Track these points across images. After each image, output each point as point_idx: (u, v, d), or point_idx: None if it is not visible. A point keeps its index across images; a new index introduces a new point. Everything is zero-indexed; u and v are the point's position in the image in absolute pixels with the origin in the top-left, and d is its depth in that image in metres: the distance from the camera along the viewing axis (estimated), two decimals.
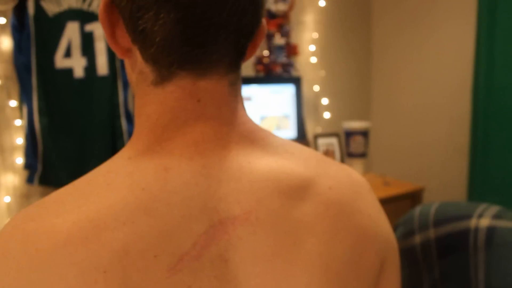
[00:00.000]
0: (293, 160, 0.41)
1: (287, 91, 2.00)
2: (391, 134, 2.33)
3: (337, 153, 2.20)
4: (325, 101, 2.23)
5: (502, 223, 0.72)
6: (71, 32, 1.52)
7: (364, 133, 2.09)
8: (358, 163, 2.12)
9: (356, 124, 2.09)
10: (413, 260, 0.81)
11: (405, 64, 2.21)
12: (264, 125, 1.94)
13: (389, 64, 2.31)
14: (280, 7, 1.99)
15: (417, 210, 0.83)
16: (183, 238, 0.33)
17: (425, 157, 2.14)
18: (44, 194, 1.60)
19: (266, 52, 2.00)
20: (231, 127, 0.39)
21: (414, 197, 1.94)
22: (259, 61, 1.99)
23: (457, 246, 0.75)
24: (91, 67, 1.55)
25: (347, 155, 2.14)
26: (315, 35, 2.17)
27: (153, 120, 0.38)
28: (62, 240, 0.32)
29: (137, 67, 0.40)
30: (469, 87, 1.85)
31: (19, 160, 1.55)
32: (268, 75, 2.01)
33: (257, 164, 0.38)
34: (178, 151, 0.37)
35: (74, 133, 1.56)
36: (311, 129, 2.21)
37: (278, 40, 2.01)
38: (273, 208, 0.36)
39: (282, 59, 2.04)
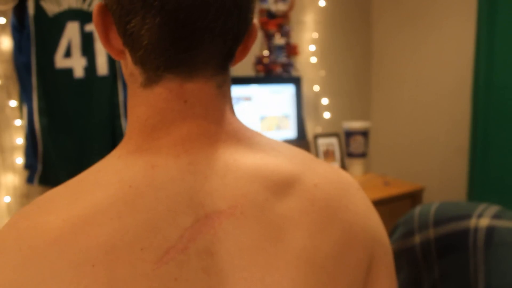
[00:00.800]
0: (279, 158, 0.41)
1: (287, 91, 2.00)
2: (391, 134, 2.33)
3: (337, 153, 2.20)
4: (325, 101, 2.23)
5: (502, 223, 0.72)
6: (71, 32, 1.52)
7: (364, 133, 2.09)
8: (358, 163, 2.12)
9: (356, 124, 2.09)
10: (413, 260, 0.81)
11: (405, 64, 2.21)
12: (264, 125, 1.94)
13: (389, 64, 2.31)
14: (280, 7, 1.99)
15: (417, 210, 0.83)
16: (169, 231, 0.34)
17: (425, 157, 2.14)
18: None
19: (266, 52, 2.00)
20: (218, 126, 0.40)
21: (414, 197, 1.94)
22: (259, 61, 1.99)
23: (457, 246, 0.75)
24: (91, 67, 1.55)
25: (347, 155, 2.14)
26: (315, 35, 2.17)
27: (143, 120, 0.39)
28: (53, 236, 0.33)
29: (128, 70, 0.41)
30: (469, 86, 1.85)
31: (19, 160, 1.55)
32: (268, 75, 2.01)
33: (243, 161, 0.39)
34: (165, 149, 0.38)
35: (74, 133, 1.56)
36: (311, 129, 2.22)
37: (278, 40, 2.01)
38: (258, 203, 0.37)
39: (282, 59, 2.04)
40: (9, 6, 1.45)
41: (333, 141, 2.20)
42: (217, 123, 0.40)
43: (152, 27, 0.35)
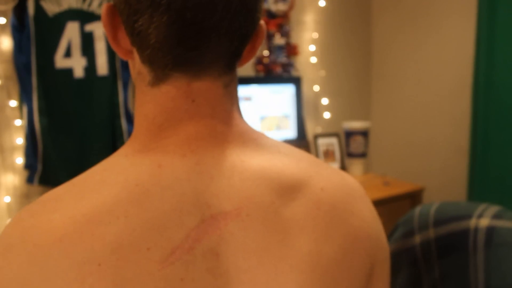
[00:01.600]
0: (285, 160, 0.41)
1: (287, 91, 2.00)
2: (391, 134, 2.33)
3: (337, 153, 2.20)
4: (325, 101, 2.23)
5: (502, 223, 0.72)
6: (71, 32, 1.52)
7: (364, 133, 2.09)
8: (358, 163, 2.12)
9: (356, 124, 2.09)
10: (413, 260, 0.81)
11: (405, 64, 2.21)
12: (264, 125, 1.94)
13: (389, 64, 2.31)
14: (280, 7, 1.99)
15: (417, 210, 0.83)
16: (175, 231, 0.34)
17: (425, 157, 2.14)
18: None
19: (266, 52, 2.00)
20: (224, 126, 0.40)
21: (414, 197, 1.94)
22: (259, 61, 1.99)
23: (457, 246, 0.75)
24: (91, 67, 1.55)
25: (347, 155, 2.14)
26: (315, 35, 2.17)
27: (150, 119, 0.40)
28: (59, 235, 0.33)
29: (136, 69, 0.41)
30: (469, 86, 1.85)
31: (19, 160, 1.55)
32: (268, 75, 2.01)
33: (250, 162, 0.39)
34: (172, 148, 0.38)
35: (74, 133, 1.56)
36: (311, 129, 2.22)
37: (278, 40, 2.01)
38: (264, 206, 0.37)
39: (282, 59, 2.04)
40: (9, 6, 1.45)
41: (333, 141, 2.20)
42: (224, 123, 0.40)
43: (160, 26, 0.35)
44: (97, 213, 0.34)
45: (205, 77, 0.39)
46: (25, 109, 1.50)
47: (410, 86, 2.19)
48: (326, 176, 0.43)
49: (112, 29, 0.40)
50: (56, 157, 1.54)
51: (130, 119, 1.64)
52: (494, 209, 0.76)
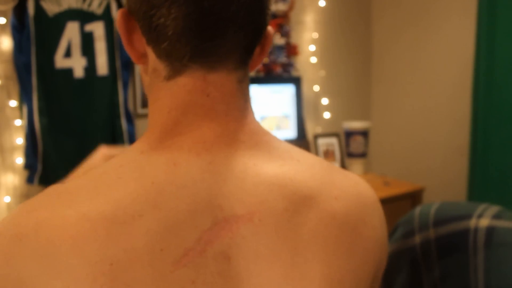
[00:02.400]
0: (298, 167, 0.41)
1: (287, 91, 2.00)
2: (391, 134, 2.33)
3: (337, 153, 2.20)
4: (325, 101, 2.23)
5: (502, 223, 0.72)
6: (71, 32, 1.52)
7: (364, 133, 2.09)
8: (358, 163, 2.12)
9: (356, 124, 2.09)
10: (413, 260, 0.81)
11: (405, 64, 2.21)
12: (264, 125, 1.94)
13: (389, 64, 2.31)
14: (280, 7, 1.99)
15: (417, 210, 0.83)
16: (189, 232, 0.34)
17: (425, 157, 2.14)
18: None
19: None
20: (238, 125, 0.40)
21: (414, 197, 1.94)
22: None
23: (457, 246, 0.75)
24: (91, 67, 1.55)
25: (347, 155, 2.14)
26: (315, 35, 2.17)
27: (165, 113, 0.40)
28: (72, 232, 0.33)
29: (150, 68, 0.42)
30: (469, 86, 1.85)
31: (19, 160, 1.55)
32: (268, 75, 2.01)
33: (263, 167, 0.39)
34: (187, 146, 0.38)
35: (74, 133, 1.56)
36: (311, 129, 2.21)
37: (278, 40, 2.01)
38: (276, 212, 0.37)
39: (282, 59, 2.04)
40: (9, 6, 1.45)
41: (333, 141, 2.20)
42: (237, 122, 0.40)
43: (177, 17, 0.36)
44: (112, 210, 0.34)
45: (221, 70, 0.39)
46: (25, 109, 1.50)
47: (410, 86, 2.19)
48: (340, 183, 0.42)
49: (127, 32, 0.41)
50: (56, 157, 1.54)
51: (130, 119, 1.64)
52: (494, 209, 0.76)
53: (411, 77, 2.18)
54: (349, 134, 2.10)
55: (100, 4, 1.55)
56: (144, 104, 1.72)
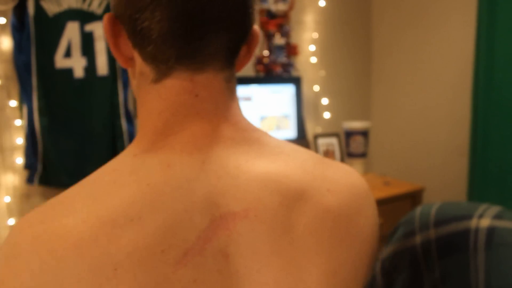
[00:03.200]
0: (290, 162, 0.41)
1: (287, 91, 2.00)
2: (391, 134, 2.33)
3: (337, 153, 2.20)
4: (325, 101, 2.23)
5: (502, 224, 0.72)
6: (71, 32, 1.52)
7: (364, 133, 2.09)
8: (358, 163, 2.12)
9: (356, 124, 2.09)
10: (413, 260, 0.81)
11: (405, 64, 2.21)
12: (264, 125, 1.94)
13: (389, 64, 2.31)
14: (280, 7, 1.99)
15: (418, 210, 0.83)
16: (187, 232, 0.34)
17: (425, 157, 2.14)
18: (44, 194, 1.60)
19: (266, 52, 2.00)
20: (227, 123, 0.41)
21: (414, 197, 1.94)
22: (259, 61, 1.99)
23: (457, 246, 0.75)
24: (91, 67, 1.55)
25: (347, 155, 2.14)
26: (315, 35, 2.17)
27: (155, 116, 0.40)
28: (73, 240, 0.33)
29: (137, 71, 0.42)
30: (469, 87, 1.85)
31: (19, 160, 1.55)
32: (268, 75, 2.01)
33: (254, 163, 0.39)
34: (179, 146, 0.38)
35: (74, 133, 1.56)
36: (311, 129, 2.21)
37: (278, 40, 2.01)
38: (272, 207, 0.37)
39: (282, 59, 2.03)
40: (9, 6, 1.45)
41: (333, 141, 2.20)
42: (227, 120, 0.41)
43: (162, 20, 0.36)
44: (111, 215, 0.34)
45: (208, 70, 0.39)
46: (25, 109, 1.50)
47: (410, 86, 2.19)
48: (332, 176, 0.43)
49: (113, 36, 0.41)
50: (56, 157, 1.54)
51: (130, 119, 1.64)
52: (494, 209, 0.76)
53: (411, 77, 2.18)
54: (349, 134, 2.10)
55: (100, 4, 1.55)
56: None
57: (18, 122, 1.54)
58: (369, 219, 0.43)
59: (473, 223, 0.73)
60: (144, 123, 0.41)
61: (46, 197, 1.60)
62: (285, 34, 2.03)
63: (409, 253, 0.80)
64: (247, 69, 1.98)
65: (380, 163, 2.40)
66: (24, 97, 1.50)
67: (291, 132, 2.01)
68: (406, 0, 2.17)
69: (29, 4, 1.46)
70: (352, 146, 2.10)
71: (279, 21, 2.00)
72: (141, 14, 0.37)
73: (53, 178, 1.55)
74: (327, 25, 2.21)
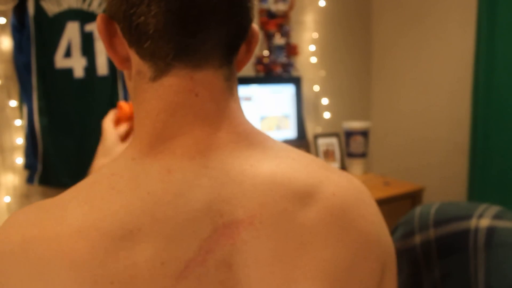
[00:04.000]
0: (294, 166, 0.40)
1: (287, 91, 2.00)
2: (391, 134, 2.33)
3: (337, 153, 2.20)
4: (325, 101, 2.23)
5: (502, 224, 0.72)
6: (71, 32, 1.51)
7: (364, 133, 2.09)
8: (358, 163, 2.12)
9: (356, 124, 2.09)
10: (413, 260, 0.81)
11: (405, 64, 2.21)
12: (264, 125, 1.94)
13: (389, 64, 2.31)
14: (280, 7, 1.99)
15: (417, 210, 0.83)
16: (189, 242, 0.33)
17: (425, 157, 2.14)
18: (44, 194, 1.60)
19: (266, 52, 2.00)
20: (230, 126, 0.39)
21: (414, 197, 1.93)
22: (259, 61, 1.99)
23: (457, 246, 0.75)
24: (91, 67, 1.55)
25: (347, 155, 2.14)
26: (315, 35, 2.17)
27: (153, 116, 0.38)
28: (67, 250, 0.31)
29: (134, 70, 0.40)
30: (469, 87, 1.85)
31: (19, 160, 1.55)
32: (268, 75, 2.01)
33: (259, 168, 0.38)
34: (179, 151, 0.37)
35: (74, 133, 1.56)
36: (311, 129, 2.21)
37: (278, 40, 2.01)
38: (277, 213, 0.36)
39: (282, 59, 2.04)
40: (9, 6, 1.45)
41: (333, 141, 2.20)
42: (229, 122, 0.39)
43: (158, 14, 0.35)
44: (108, 225, 0.32)
45: (207, 67, 0.38)
46: (25, 109, 1.50)
47: (410, 86, 2.19)
48: (336, 180, 0.42)
49: (108, 36, 0.40)
50: (56, 157, 1.54)
51: None
52: (494, 209, 0.76)
53: (411, 77, 2.18)
54: (349, 134, 2.10)
55: (100, 4, 1.55)
56: None
57: (18, 122, 1.54)
58: (374, 225, 0.42)
59: (473, 223, 0.73)
60: (142, 124, 0.39)
61: (46, 197, 1.60)
62: (285, 34, 2.03)
63: (408, 253, 0.80)
64: (247, 69, 1.98)
65: (380, 163, 2.40)
66: (24, 97, 1.50)
67: (291, 132, 2.01)
68: (406, 0, 2.17)
69: (29, 4, 1.46)
70: (352, 146, 2.10)
71: (279, 21, 2.00)
72: (136, 8, 0.35)
73: (53, 178, 1.55)
74: (327, 25, 2.21)
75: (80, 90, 1.55)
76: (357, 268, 0.39)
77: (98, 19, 0.40)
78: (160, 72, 0.38)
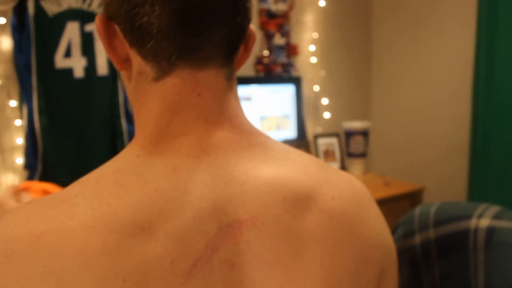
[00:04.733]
0: (295, 168, 0.40)
1: (287, 91, 2.00)
2: (391, 134, 2.33)
3: (337, 153, 2.20)
4: (325, 101, 2.23)
5: (502, 224, 0.72)
6: (71, 32, 1.51)
7: (364, 133, 2.09)
8: (358, 163, 2.12)
9: (356, 124, 2.09)
10: (413, 260, 0.81)
11: (405, 64, 2.21)
12: (264, 125, 1.94)
13: (389, 64, 2.31)
14: (280, 7, 1.99)
15: (417, 210, 0.83)
16: (196, 241, 0.33)
17: (425, 157, 2.14)
18: None
19: (266, 52, 2.00)
20: (232, 126, 0.40)
21: (414, 197, 1.94)
22: (259, 61, 1.99)
23: (457, 246, 0.75)
24: (91, 67, 1.55)
25: (347, 155, 2.14)
26: (315, 35, 2.17)
27: (156, 115, 0.39)
28: (79, 246, 0.31)
29: (135, 71, 0.40)
30: (469, 87, 1.85)
31: (19, 160, 1.55)
32: (268, 75, 2.01)
33: (261, 169, 0.38)
34: (184, 149, 0.37)
35: (74, 133, 1.56)
36: (311, 129, 2.21)
37: (278, 40, 2.01)
38: (278, 214, 0.36)
39: (282, 59, 2.04)
40: (9, 6, 1.45)
41: (333, 141, 2.20)
42: (231, 122, 0.40)
43: (162, 13, 0.35)
44: (119, 222, 0.32)
45: (209, 67, 0.38)
46: (25, 109, 1.50)
47: (410, 86, 2.19)
48: (336, 183, 0.42)
49: (108, 37, 0.40)
50: (56, 157, 1.53)
51: (130, 119, 1.64)
52: (494, 209, 0.76)
53: (411, 77, 2.18)
54: (349, 134, 2.10)
55: (100, 4, 1.55)
56: None
57: (18, 122, 1.54)
58: (374, 229, 0.42)
59: (473, 223, 0.73)
60: (144, 123, 0.39)
61: None
62: (285, 34, 2.03)
63: (408, 253, 0.80)
64: (247, 69, 1.98)
65: (380, 163, 2.40)
66: (24, 97, 1.50)
67: (291, 132, 2.01)
68: (406, 0, 2.17)
69: (29, 4, 1.45)
70: (352, 146, 2.10)
71: (279, 21, 2.00)
72: (139, 9, 0.35)
73: (53, 178, 1.55)
74: (327, 25, 2.21)
75: (80, 90, 1.55)
76: (358, 272, 0.39)
77: (97, 20, 0.39)
78: (163, 72, 0.38)
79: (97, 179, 0.36)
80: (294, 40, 2.09)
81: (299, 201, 0.38)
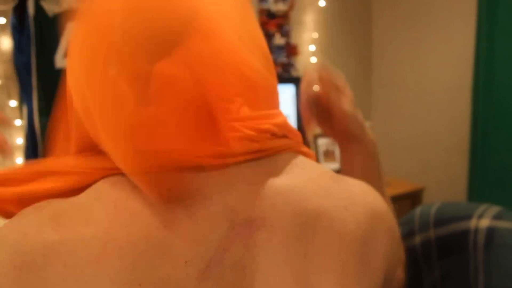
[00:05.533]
0: (304, 177, 0.39)
1: (287, 91, 2.00)
2: (391, 134, 2.33)
3: (337, 153, 2.20)
4: None
5: (502, 224, 0.72)
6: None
7: None
8: None
9: None
10: (413, 261, 0.81)
11: (405, 64, 2.21)
12: None
13: (389, 64, 2.31)
14: (280, 7, 1.98)
15: (418, 210, 0.83)
16: (209, 241, 0.32)
17: (425, 157, 2.14)
18: None
19: None
20: None
21: (414, 197, 1.94)
22: None
23: (457, 246, 0.75)
24: None
25: None
26: (315, 35, 2.16)
27: None
28: (95, 253, 0.29)
29: None
30: (469, 86, 1.85)
31: (19, 160, 1.55)
32: None
33: (269, 176, 0.37)
34: None
35: None
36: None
37: (278, 40, 2.01)
38: (287, 217, 0.36)
39: (282, 59, 2.03)
40: (9, 6, 1.45)
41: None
42: None
43: None
44: (135, 223, 0.31)
45: None
46: (25, 109, 1.50)
47: (410, 86, 2.19)
48: (347, 193, 0.40)
49: None
50: None
51: None
52: (494, 209, 0.76)
53: (411, 77, 2.18)
54: None
55: None
56: None
57: (18, 122, 1.54)
58: (384, 246, 0.41)
59: (473, 223, 0.73)
60: None
61: None
62: (285, 34, 2.03)
63: (408, 253, 0.80)
64: None
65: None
66: (24, 97, 1.50)
67: None
68: (406, 0, 2.17)
69: (29, 4, 1.45)
70: None
71: (279, 21, 2.00)
72: None
73: None
74: (327, 25, 2.21)
75: None
76: (366, 283, 0.38)
77: None
78: None
79: (113, 183, 0.34)
80: (294, 40, 2.09)
81: (307, 211, 0.37)
